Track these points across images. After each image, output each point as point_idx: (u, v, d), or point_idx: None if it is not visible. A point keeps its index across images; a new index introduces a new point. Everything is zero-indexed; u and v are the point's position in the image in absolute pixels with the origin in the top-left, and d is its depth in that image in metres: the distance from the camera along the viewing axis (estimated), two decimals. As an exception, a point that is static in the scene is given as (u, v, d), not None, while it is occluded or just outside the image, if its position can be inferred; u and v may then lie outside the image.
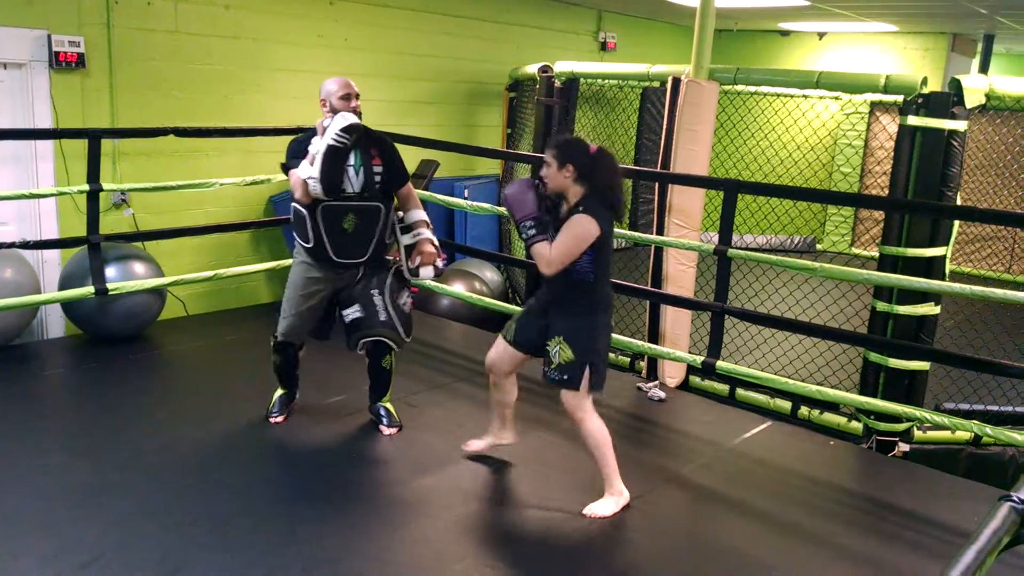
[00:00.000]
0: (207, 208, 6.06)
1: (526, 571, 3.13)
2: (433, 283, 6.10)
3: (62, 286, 5.18)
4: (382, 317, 4.06)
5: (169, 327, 5.73)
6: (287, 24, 6.37)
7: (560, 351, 3.47)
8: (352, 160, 3.90)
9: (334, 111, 3.86)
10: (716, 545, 3.46)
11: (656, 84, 6.60)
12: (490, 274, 6.88)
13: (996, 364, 4.27)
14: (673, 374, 5.31)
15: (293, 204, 3.96)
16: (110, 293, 5.08)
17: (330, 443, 4.14)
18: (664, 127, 5.27)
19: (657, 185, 5.40)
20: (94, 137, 5.07)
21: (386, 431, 4.26)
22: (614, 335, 5.15)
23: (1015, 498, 1.62)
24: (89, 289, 5.04)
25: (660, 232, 5.27)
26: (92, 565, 2.98)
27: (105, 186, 5.17)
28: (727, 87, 5.34)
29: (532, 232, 3.42)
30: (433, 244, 4.12)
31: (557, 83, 6.23)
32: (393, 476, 3.81)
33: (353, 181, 3.90)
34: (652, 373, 5.38)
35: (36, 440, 3.95)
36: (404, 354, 5.15)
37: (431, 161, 7.32)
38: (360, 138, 3.87)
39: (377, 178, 3.96)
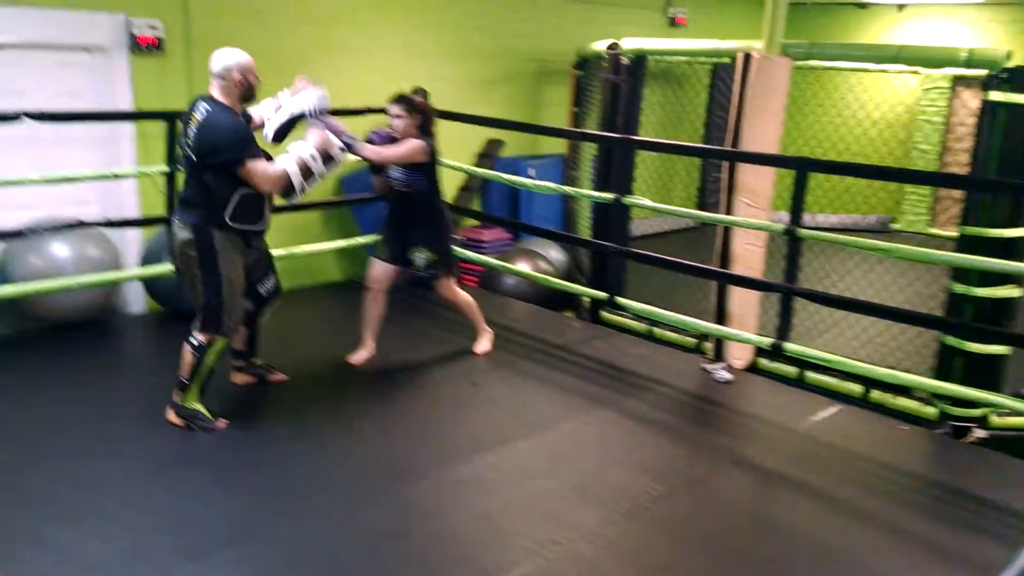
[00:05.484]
0: (279, 188, 6.20)
1: (590, 547, 3.15)
2: (498, 262, 6.13)
3: (143, 263, 5.38)
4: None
5: (243, 304, 5.89)
6: (358, 5, 6.43)
7: (426, 256, 4.71)
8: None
9: (249, 87, 3.83)
10: (780, 526, 3.42)
11: (727, 60, 6.48)
12: (555, 253, 6.87)
13: (1081, 349, 4.10)
14: (740, 355, 5.24)
15: (244, 191, 3.77)
16: (187, 270, 5.25)
17: (394, 418, 4.22)
18: (734, 104, 5.17)
19: (726, 164, 5.31)
20: (172, 119, 5.22)
21: (281, 375, 4.54)
22: (680, 315, 5.15)
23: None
24: (168, 266, 5.21)
25: (728, 211, 5.19)
26: (171, 531, 3.12)
27: (182, 167, 5.32)
28: (800, 63, 5.20)
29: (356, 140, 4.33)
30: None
31: (624, 60, 6.16)
32: (455, 453, 3.86)
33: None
34: (718, 354, 5.32)
35: (118, 411, 4.12)
36: (470, 332, 5.21)
37: (497, 140, 7.33)
38: None
39: None
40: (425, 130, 4.61)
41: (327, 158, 3.96)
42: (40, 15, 4.98)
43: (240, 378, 4.44)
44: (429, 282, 4.89)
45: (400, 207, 4.74)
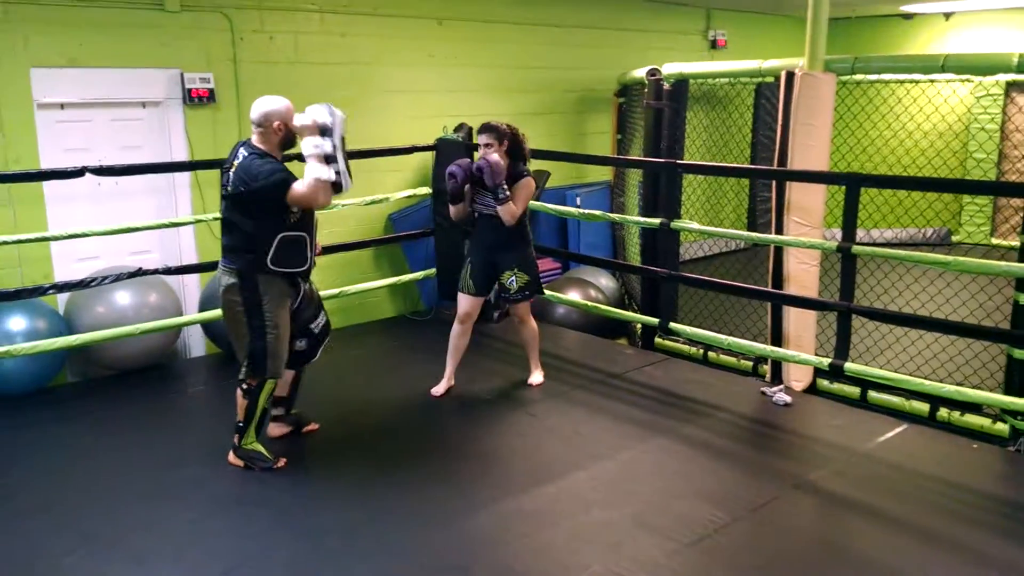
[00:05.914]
0: (331, 228, 6.29)
1: (650, 579, 3.10)
2: (549, 292, 6.13)
3: (201, 308, 5.51)
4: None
5: (299, 343, 5.99)
6: (399, 47, 6.57)
7: (517, 278, 4.73)
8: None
9: (288, 134, 3.85)
10: (847, 551, 3.33)
11: (770, 79, 6.44)
12: (605, 281, 6.86)
13: None
14: (799, 377, 5.14)
15: (284, 235, 3.79)
16: (244, 313, 5.36)
17: (454, 450, 4.24)
18: (779, 123, 5.13)
19: (775, 183, 5.26)
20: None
21: (315, 424, 4.45)
22: (736, 339, 5.09)
23: None
24: (225, 310, 5.33)
25: (779, 231, 5.13)
26: (233, 572, 3.16)
27: (236, 212, 5.46)
28: (845, 77, 5.14)
29: (508, 192, 4.57)
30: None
31: (666, 85, 6.16)
32: (515, 485, 3.85)
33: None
34: (776, 377, 5.23)
35: (182, 453, 4.20)
36: (522, 362, 5.21)
37: (542, 171, 7.37)
38: None
39: None
40: (515, 154, 4.69)
41: (324, 130, 3.75)
42: (101, 75, 5.20)
43: (277, 430, 4.31)
44: (517, 302, 4.84)
45: (489, 232, 4.76)
